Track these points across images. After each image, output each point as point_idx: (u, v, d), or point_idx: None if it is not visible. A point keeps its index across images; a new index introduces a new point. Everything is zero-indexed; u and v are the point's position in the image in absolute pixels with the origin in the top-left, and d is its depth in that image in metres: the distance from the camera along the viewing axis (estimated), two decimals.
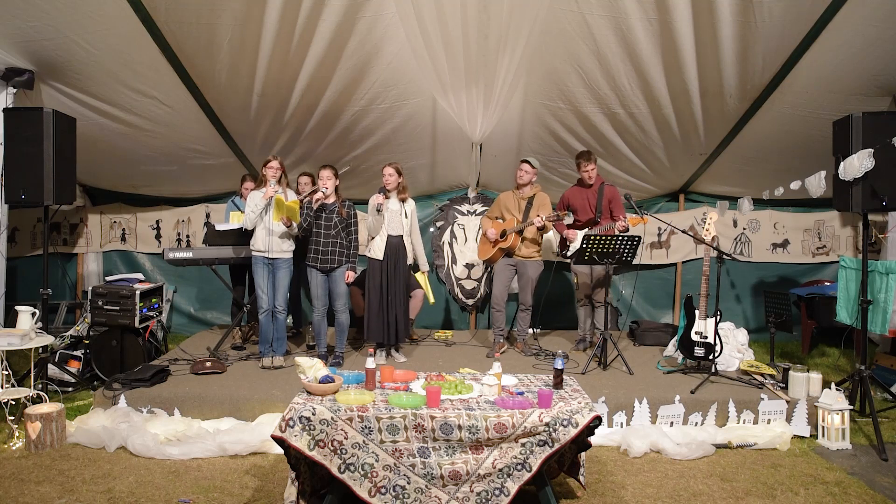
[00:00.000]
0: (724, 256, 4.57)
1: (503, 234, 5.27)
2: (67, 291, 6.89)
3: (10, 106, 4.45)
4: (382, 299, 4.95)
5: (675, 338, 5.02)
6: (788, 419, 4.12)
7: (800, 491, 3.31)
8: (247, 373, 4.70)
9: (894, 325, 4.53)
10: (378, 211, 4.86)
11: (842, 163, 4.07)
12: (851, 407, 4.07)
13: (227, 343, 5.54)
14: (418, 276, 5.61)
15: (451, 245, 6.78)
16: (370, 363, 3.11)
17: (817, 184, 4.51)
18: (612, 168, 6.16)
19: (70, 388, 4.69)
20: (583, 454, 3.16)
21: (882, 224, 5.89)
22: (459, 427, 2.75)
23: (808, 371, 4.27)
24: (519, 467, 2.76)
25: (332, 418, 2.77)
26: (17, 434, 3.82)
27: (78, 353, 4.84)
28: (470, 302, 6.77)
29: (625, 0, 4.13)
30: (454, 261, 6.76)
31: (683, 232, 5.14)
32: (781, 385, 4.36)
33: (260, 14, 4.15)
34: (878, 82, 4.64)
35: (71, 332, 5.36)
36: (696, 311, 4.76)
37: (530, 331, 5.66)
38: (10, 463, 3.52)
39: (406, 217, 5.02)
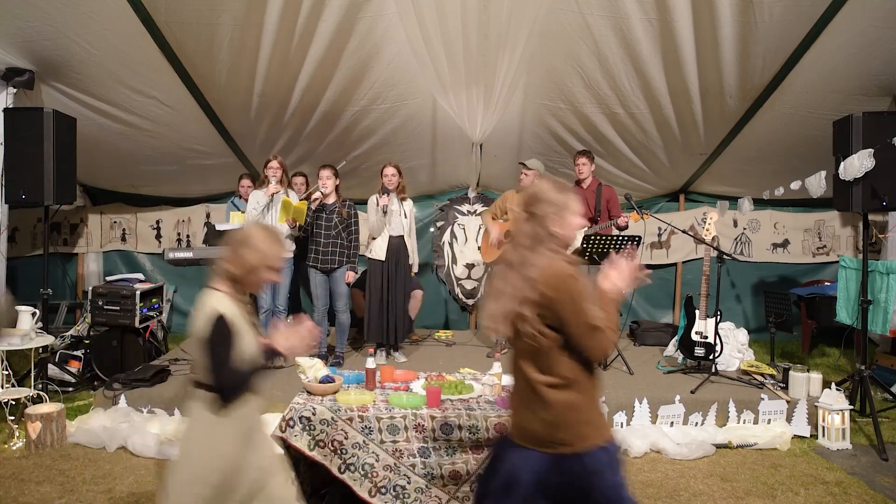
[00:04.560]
0: (725, 256, 4.57)
1: (507, 235, 5.27)
2: (67, 291, 6.89)
3: (10, 106, 4.45)
4: (383, 300, 4.94)
5: (676, 338, 5.02)
6: (788, 419, 4.12)
7: (800, 491, 3.31)
8: None
9: (895, 325, 4.53)
10: (384, 212, 4.85)
11: (842, 163, 4.07)
12: (851, 407, 4.07)
13: None
14: None
15: (451, 245, 6.77)
16: (370, 363, 3.11)
17: (817, 184, 4.50)
18: (612, 168, 6.16)
19: (70, 388, 4.68)
20: None
21: (882, 224, 5.88)
22: (460, 427, 2.75)
23: (808, 371, 4.27)
24: None
25: (332, 418, 2.77)
26: (17, 434, 3.82)
27: (78, 353, 4.84)
28: (470, 302, 6.77)
29: (625, 0, 4.13)
30: (454, 261, 6.76)
31: (683, 232, 5.14)
32: (781, 385, 4.36)
33: (260, 14, 4.15)
34: (878, 82, 4.64)
35: (71, 332, 5.36)
36: (697, 311, 4.76)
37: None
38: (11, 463, 3.52)
39: (405, 217, 5.02)
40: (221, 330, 1.92)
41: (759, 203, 6.15)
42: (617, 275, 1.95)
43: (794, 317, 5.68)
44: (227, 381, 1.92)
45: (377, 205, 4.86)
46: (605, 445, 1.89)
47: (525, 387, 1.95)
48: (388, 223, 4.92)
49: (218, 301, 1.98)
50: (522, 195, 2.05)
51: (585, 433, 1.87)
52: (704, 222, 4.76)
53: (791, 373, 4.26)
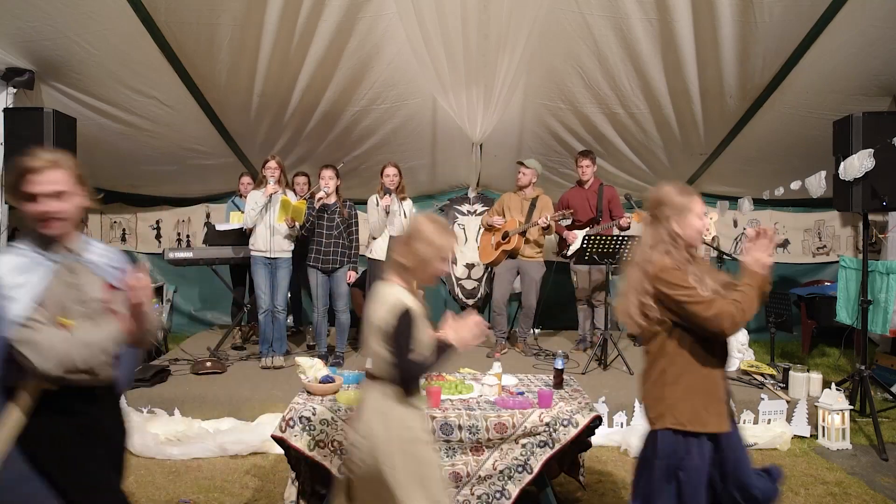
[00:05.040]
0: (725, 256, 4.57)
1: (505, 236, 5.26)
2: None
3: (10, 106, 4.44)
4: None
5: None
6: (788, 419, 4.12)
7: (800, 491, 3.31)
8: (247, 373, 4.70)
9: (895, 325, 4.53)
10: (386, 213, 4.85)
11: (842, 163, 4.07)
12: (851, 407, 4.07)
13: (228, 343, 5.53)
14: None
15: None
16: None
17: (817, 184, 4.51)
18: (612, 168, 6.16)
19: None
20: (583, 454, 3.16)
21: (882, 224, 5.89)
22: (459, 427, 2.75)
23: (808, 371, 4.27)
24: (520, 469, 2.76)
25: (332, 418, 2.77)
26: None
27: None
28: (470, 302, 6.77)
29: (625, 0, 4.13)
30: (454, 261, 6.76)
31: None
32: (781, 385, 4.36)
33: (260, 14, 4.15)
34: (878, 82, 4.64)
35: None
36: None
37: (532, 331, 5.65)
38: None
39: (405, 217, 5.02)
40: (407, 323, 1.99)
41: (759, 203, 6.15)
42: (758, 249, 2.03)
43: (794, 317, 5.68)
44: (408, 372, 2.00)
45: (377, 205, 4.85)
46: (681, 432, 1.98)
47: (645, 371, 2.14)
48: (389, 223, 4.92)
49: (401, 294, 2.05)
50: (647, 199, 2.16)
51: (661, 412, 2.02)
52: None
53: (791, 373, 4.26)
